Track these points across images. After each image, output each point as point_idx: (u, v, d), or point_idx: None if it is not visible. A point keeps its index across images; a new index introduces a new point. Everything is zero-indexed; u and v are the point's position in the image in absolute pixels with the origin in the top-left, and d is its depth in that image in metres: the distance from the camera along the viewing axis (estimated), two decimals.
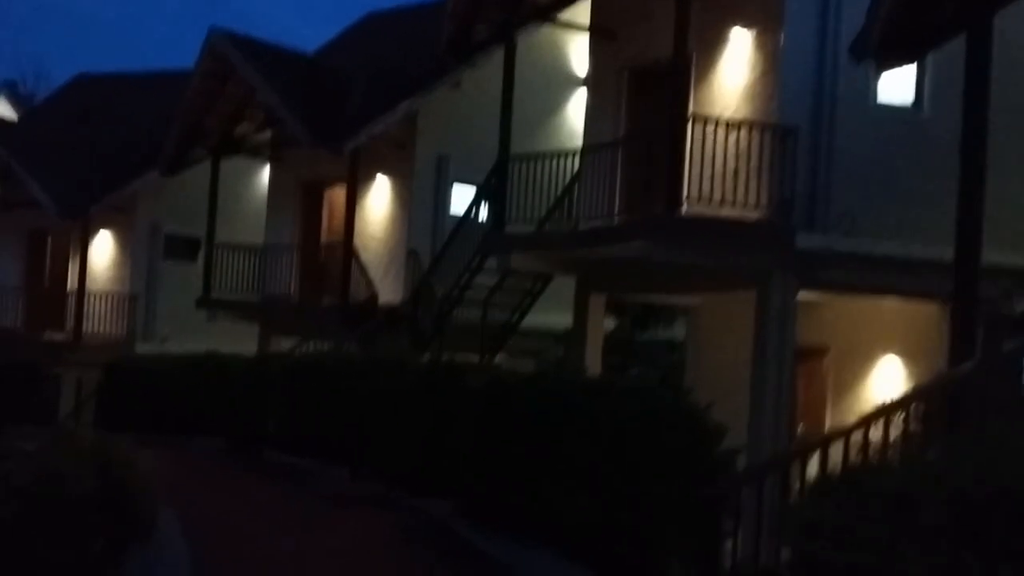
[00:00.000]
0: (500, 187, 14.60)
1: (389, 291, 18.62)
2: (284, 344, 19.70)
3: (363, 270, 18.47)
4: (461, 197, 19.00)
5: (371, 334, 16.95)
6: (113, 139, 24.19)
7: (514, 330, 16.56)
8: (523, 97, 15.66)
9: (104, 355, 21.40)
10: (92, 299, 23.31)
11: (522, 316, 16.44)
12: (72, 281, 23.85)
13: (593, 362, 14.77)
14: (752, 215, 11.52)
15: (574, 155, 13.96)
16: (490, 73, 17.46)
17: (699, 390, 15.09)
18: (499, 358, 16.76)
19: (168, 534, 8.32)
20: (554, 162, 13.99)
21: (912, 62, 10.23)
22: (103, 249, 24.24)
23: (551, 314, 17.10)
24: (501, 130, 14.58)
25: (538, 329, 17.53)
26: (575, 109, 20.41)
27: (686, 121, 11.43)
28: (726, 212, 11.55)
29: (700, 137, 11.50)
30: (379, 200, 19.27)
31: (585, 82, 20.45)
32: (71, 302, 23.45)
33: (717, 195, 11.35)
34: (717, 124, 11.47)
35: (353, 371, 12.83)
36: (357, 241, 18.83)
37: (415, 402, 11.23)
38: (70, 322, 23.33)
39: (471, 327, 16.41)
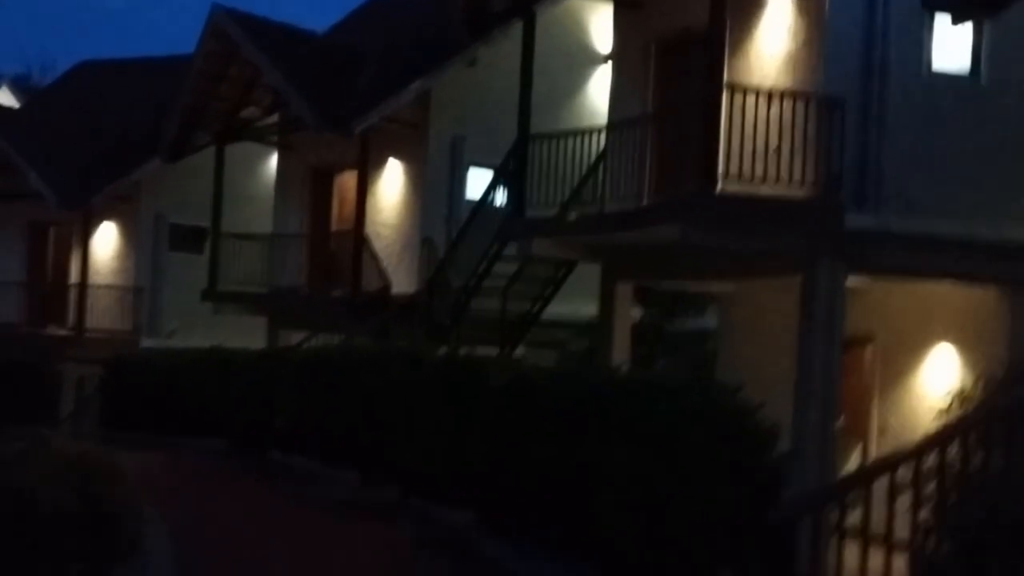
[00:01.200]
0: (519, 169, 13.64)
1: (403, 281, 17.71)
2: (294, 337, 18.82)
3: (375, 259, 17.55)
4: (477, 181, 18.08)
5: (384, 326, 16.04)
6: (116, 127, 23.36)
7: (535, 321, 15.64)
8: (542, 75, 14.67)
9: (108, 351, 20.60)
10: (95, 293, 22.49)
11: (543, 306, 15.52)
12: (75, 274, 23.01)
13: (621, 354, 13.87)
14: (796, 194, 10.54)
15: (599, 133, 12.99)
16: (507, 50, 16.50)
17: (735, 382, 14.39)
18: (519, 351, 15.90)
19: (157, 554, 7.43)
20: (577, 141, 13.04)
21: (994, 15, 9.18)
22: (106, 241, 23.42)
23: (573, 303, 16.22)
24: (520, 107, 13.61)
25: (560, 320, 16.63)
26: (597, 87, 19.46)
27: (721, 91, 10.43)
28: (766, 191, 10.57)
29: (738, 109, 10.51)
30: (391, 185, 18.35)
31: (608, 58, 19.49)
32: (73, 296, 22.62)
33: (758, 172, 10.36)
34: (758, 94, 10.47)
35: (363, 366, 11.90)
36: (368, 229, 17.92)
37: (431, 400, 10.31)
38: (73, 317, 22.50)
39: (490, 318, 15.52)
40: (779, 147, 10.41)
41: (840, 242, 10.38)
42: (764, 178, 10.38)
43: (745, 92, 10.50)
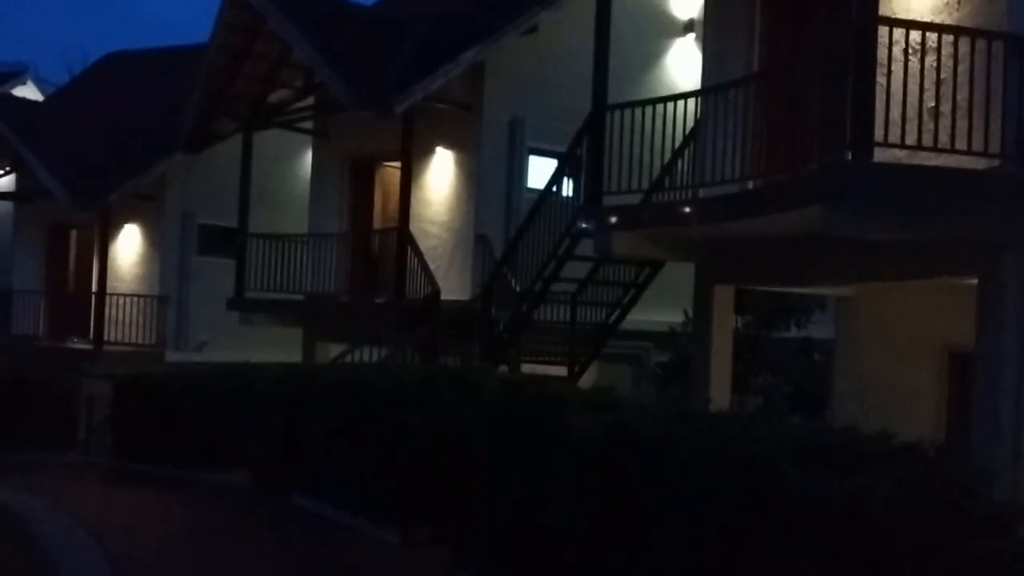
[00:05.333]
0: (596, 147, 11.10)
1: (454, 286, 15.27)
2: (332, 351, 16.47)
3: (422, 261, 15.10)
4: (539, 170, 15.61)
5: (432, 340, 13.57)
6: (140, 121, 21.23)
7: (613, 332, 13.12)
8: (612, 48, 12.16)
9: (131, 366, 18.45)
10: (116, 302, 20.32)
11: (623, 315, 13.00)
12: (96, 282, 20.88)
13: (720, 369, 11.36)
14: (976, 164, 7.91)
15: (697, 97, 10.47)
16: (573, 12, 14.06)
17: (858, 404, 11.75)
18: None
19: None
20: (667, 110, 10.51)
21: None
22: (129, 244, 21.28)
23: (651, 310, 13.72)
24: (596, 70, 11.07)
25: (635, 329, 14.11)
26: (676, 61, 16.92)
27: (877, 21, 7.81)
28: (932, 160, 7.96)
29: (897, 52, 7.91)
30: (440, 177, 15.90)
31: (688, 28, 16.97)
32: (93, 306, 20.48)
33: (924, 136, 7.73)
34: (925, 30, 7.84)
35: (405, 394, 9.44)
36: (414, 227, 15.50)
37: (491, 444, 7.81)
38: (93, 329, 20.36)
39: (557, 330, 13.05)
40: (940, 105, 7.80)
41: None
42: (936, 143, 7.74)
43: (908, 28, 7.87)
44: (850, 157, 7.68)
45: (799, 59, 9.76)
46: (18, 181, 22.69)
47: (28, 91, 27.01)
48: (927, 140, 7.81)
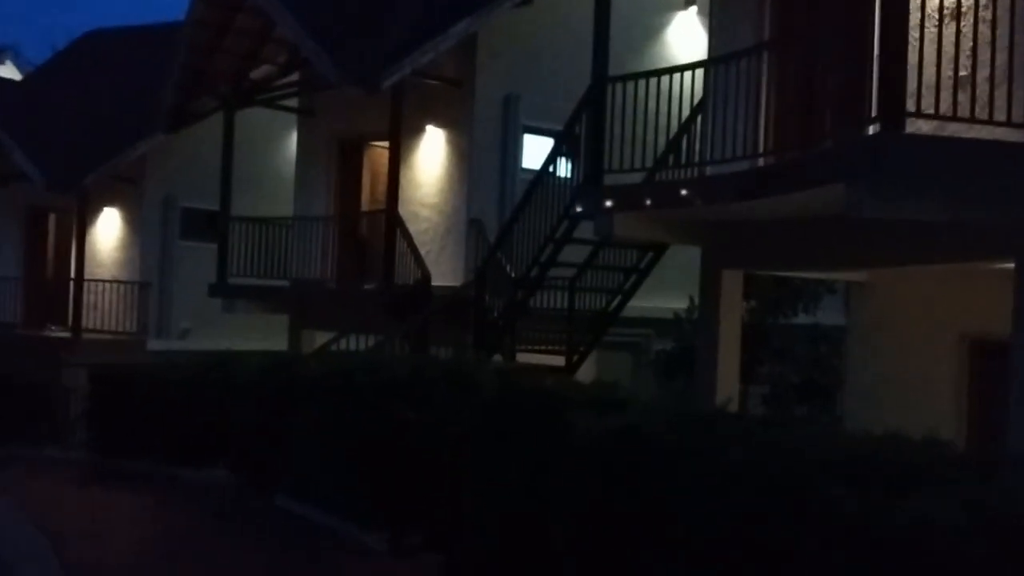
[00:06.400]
0: (595, 123, 10.41)
1: (446, 272, 14.58)
2: (319, 339, 15.79)
3: (412, 245, 14.40)
4: (535, 149, 14.91)
5: (423, 329, 12.89)
6: (120, 100, 20.45)
7: (613, 319, 12.45)
8: (611, 21, 11.44)
9: (112, 355, 17.76)
10: (96, 288, 19.59)
11: (624, 301, 12.34)
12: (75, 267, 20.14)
13: (728, 358, 10.74)
14: (1011, 137, 7.24)
15: (705, 68, 9.79)
16: None
17: (872, 395, 11.12)
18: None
19: None
20: (672, 84, 9.83)
21: None
22: (109, 228, 20.52)
23: (651, 296, 13.07)
24: (596, 39, 10.37)
25: (636, 316, 13.45)
26: (677, 35, 16.21)
27: None
28: (962, 132, 7.29)
29: (929, 13, 7.23)
30: (431, 157, 15.19)
31: (690, 1, 16.27)
32: (72, 292, 19.75)
33: (966, 106, 7.05)
34: None
35: (394, 388, 8.77)
36: (404, 209, 14.80)
37: (487, 444, 7.15)
38: (72, 317, 19.64)
39: (554, 317, 12.38)
40: (976, 72, 7.12)
41: None
42: (971, 112, 7.07)
43: None
44: (877, 129, 6.98)
45: (816, 23, 9.09)
46: None
47: (8, 71, 26.21)
48: (963, 111, 7.13)
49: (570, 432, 5.75)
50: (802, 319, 14.03)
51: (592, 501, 5.43)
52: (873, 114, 7.27)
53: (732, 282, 10.81)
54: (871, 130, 7.28)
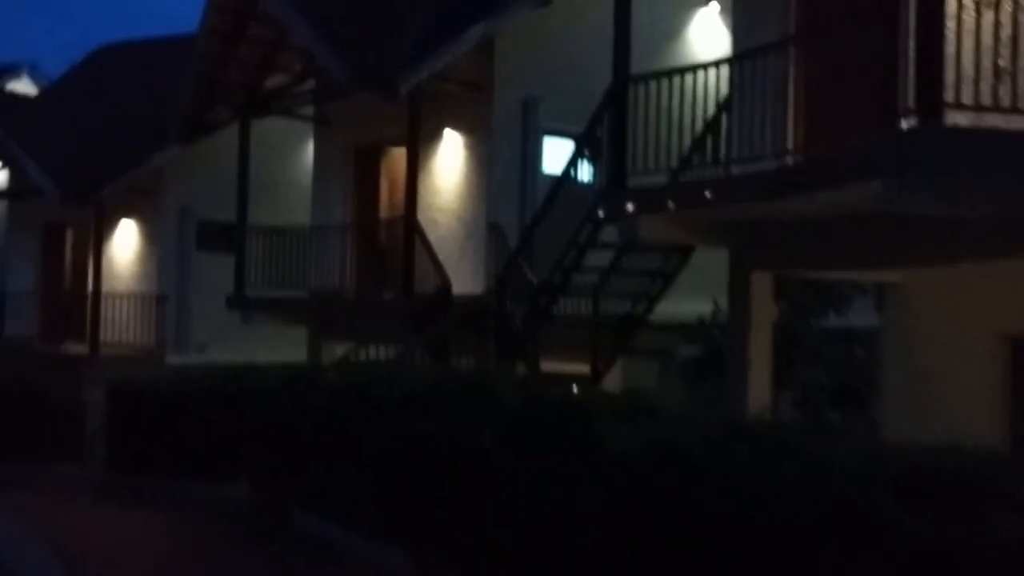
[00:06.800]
0: (618, 123, 10.10)
1: (466, 279, 14.27)
2: (338, 350, 15.52)
3: (431, 253, 14.12)
4: (555, 152, 14.60)
5: (443, 338, 12.60)
6: (135, 113, 20.26)
7: (640, 325, 12.13)
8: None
9: (130, 370, 17.56)
10: (113, 302, 19.40)
11: (651, 306, 12.01)
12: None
13: (759, 366, 10.38)
14: None
15: (729, 65, 9.48)
16: None
17: (909, 399, 10.74)
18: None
19: None
20: (696, 82, 9.53)
21: None
22: (126, 242, 20.34)
23: (677, 300, 12.72)
24: (616, 36, 10.07)
25: (662, 321, 13.09)
26: (698, 33, 15.87)
27: None
28: (1001, 123, 6.94)
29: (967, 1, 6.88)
30: (450, 162, 14.91)
31: None
32: (89, 307, 19.58)
33: (1008, 96, 6.70)
34: None
35: (412, 401, 8.48)
36: (423, 216, 14.52)
37: (511, 459, 6.85)
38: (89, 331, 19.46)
39: (578, 324, 12.06)
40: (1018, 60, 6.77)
41: None
42: (1014, 103, 6.72)
43: None
44: (913, 122, 6.65)
45: (845, 15, 8.76)
46: (11, 179, 21.80)
47: (24, 86, 26.14)
48: (1002, 102, 6.78)
49: (598, 445, 5.43)
50: (832, 321, 13.64)
51: (622, 519, 5.11)
52: (909, 106, 6.94)
53: (761, 284, 10.47)
54: (905, 124, 6.96)
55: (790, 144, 9.18)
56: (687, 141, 10.45)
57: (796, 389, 13.14)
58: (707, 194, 9.28)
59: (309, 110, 16.87)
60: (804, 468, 4.12)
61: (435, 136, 14.80)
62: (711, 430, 4.99)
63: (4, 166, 21.24)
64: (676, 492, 4.72)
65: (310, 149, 17.77)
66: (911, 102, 6.89)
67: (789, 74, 9.16)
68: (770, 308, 10.81)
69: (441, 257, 14.27)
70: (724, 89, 9.94)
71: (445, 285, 13.73)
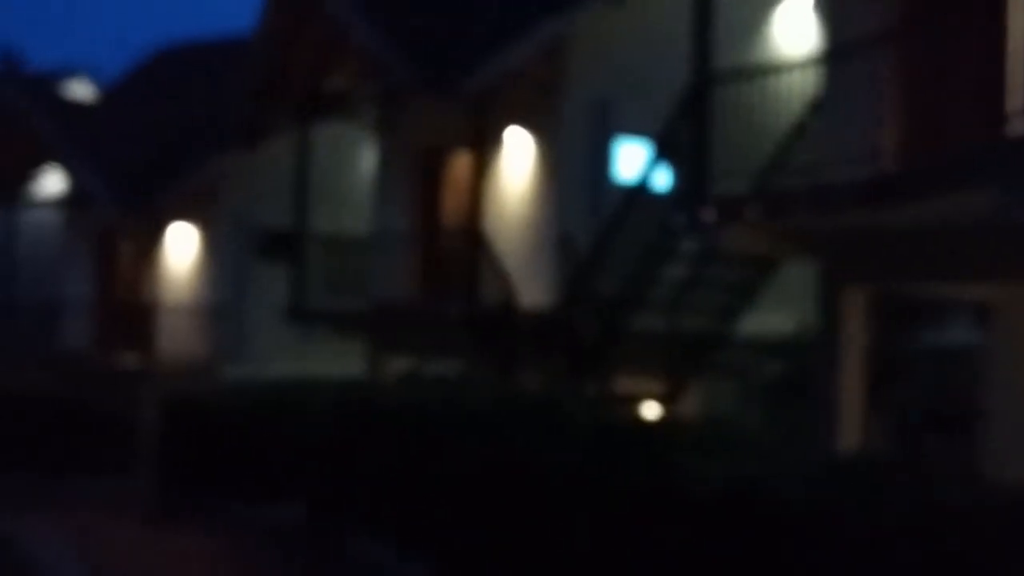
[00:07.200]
0: (699, 125, 9.36)
1: (534, 290, 13.57)
2: (399, 364, 14.95)
3: (497, 263, 13.46)
4: (629, 157, 13.87)
5: (510, 354, 11.93)
6: (192, 117, 19.91)
7: (719, 343, 11.35)
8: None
9: (185, 382, 17.17)
10: (168, 313, 19.01)
11: (730, 322, 11.23)
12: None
13: (851, 389, 9.59)
14: None
15: (819, 63, 8.72)
16: None
17: (1016, 427, 9.84)
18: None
19: None
20: (783, 82, 8.80)
21: None
22: (183, 250, 19.95)
23: (758, 316, 11.93)
24: (697, 36, 9.33)
25: (741, 338, 12.30)
26: (781, 30, 15.03)
27: None
28: None
29: None
30: (517, 167, 14.24)
31: None
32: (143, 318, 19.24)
33: None
34: None
35: (476, 425, 7.82)
36: (488, 224, 13.87)
37: (583, 492, 6.14)
38: (144, 343, 19.10)
39: (653, 339, 11.32)
40: None
41: None
42: None
43: None
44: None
45: (945, 9, 8.01)
46: (66, 185, 21.54)
47: (83, 90, 25.99)
48: None
49: (682, 484, 4.72)
50: (928, 340, 12.73)
51: (701, 566, 4.39)
52: (1018, 108, 6.18)
53: (854, 300, 9.68)
54: (1018, 125, 6.20)
55: (886, 148, 8.42)
56: (773, 145, 9.74)
57: (889, 413, 12.27)
58: (796, 202, 8.55)
59: (370, 113, 16.31)
60: (913, 513, 3.40)
61: (501, 140, 14.16)
62: (803, 467, 4.28)
63: (59, 172, 20.96)
64: (765, 541, 4.00)
65: (371, 154, 17.23)
66: (1021, 103, 6.13)
67: (885, 72, 8.42)
68: (863, 326, 9.99)
69: (507, 267, 13.60)
70: (812, 89, 9.21)
71: (511, 297, 13.06)
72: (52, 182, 21.72)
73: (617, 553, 5.66)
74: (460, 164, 15.27)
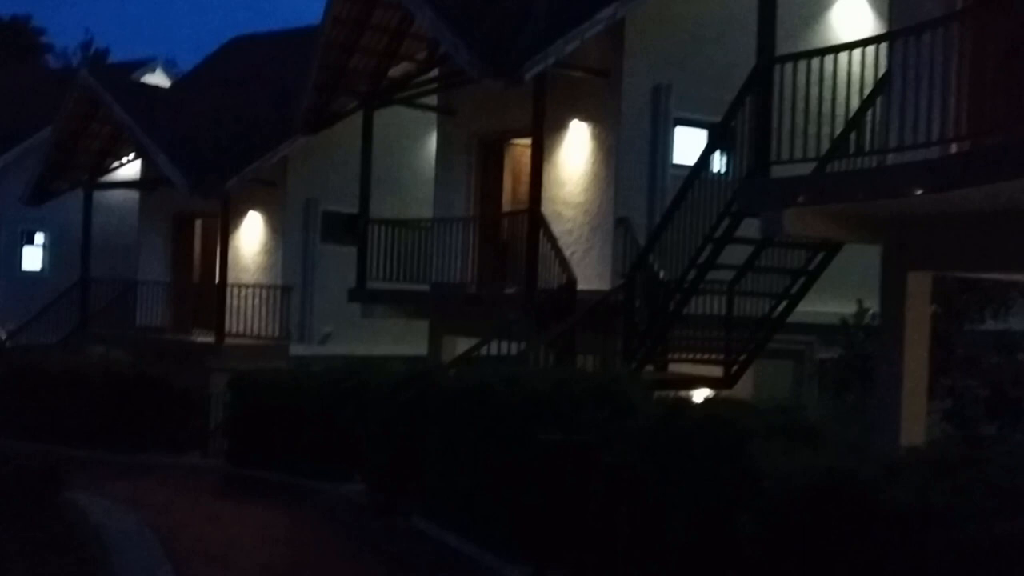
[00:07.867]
0: (762, 106, 9.35)
1: (592, 275, 13.68)
2: (460, 345, 15.12)
3: (555, 247, 13.57)
4: (687, 143, 13.87)
5: (569, 337, 12.03)
6: (262, 104, 20.30)
7: (778, 326, 11.34)
8: None
9: (255, 360, 17.56)
10: (239, 293, 19.44)
11: (790, 306, 11.21)
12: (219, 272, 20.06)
13: (915, 374, 9.50)
14: None
15: (885, 43, 8.65)
16: None
17: None
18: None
19: None
20: (848, 62, 8.74)
21: None
22: (252, 232, 20.37)
23: (812, 300, 11.87)
24: (760, 16, 9.32)
25: (798, 321, 12.24)
26: (840, 16, 14.94)
27: None
28: None
29: None
30: (575, 153, 14.31)
31: None
32: (216, 297, 19.68)
33: None
34: None
35: (538, 405, 7.94)
36: (547, 208, 13.97)
37: (646, 479, 6.23)
38: (216, 322, 19.54)
39: (711, 323, 11.34)
40: None
41: None
42: None
43: None
44: None
45: None
46: (143, 170, 22.14)
47: (157, 79, 26.56)
48: None
49: (755, 476, 4.75)
50: (989, 325, 12.58)
51: (789, 566, 4.44)
52: None
53: (919, 285, 9.56)
54: None
55: (954, 130, 8.31)
56: (836, 128, 9.68)
57: (948, 399, 12.16)
58: (861, 185, 8.48)
59: (433, 99, 16.49)
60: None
61: (561, 125, 14.22)
62: (895, 460, 4.27)
63: (137, 157, 21.54)
64: (860, 543, 4.02)
65: (433, 140, 17.44)
66: None
67: (954, 51, 8.30)
68: (927, 311, 9.90)
69: (566, 252, 13.70)
70: (877, 71, 9.12)
71: (570, 281, 13.15)
72: (130, 167, 22.33)
73: (687, 539, 5.65)
74: (520, 149, 15.37)
